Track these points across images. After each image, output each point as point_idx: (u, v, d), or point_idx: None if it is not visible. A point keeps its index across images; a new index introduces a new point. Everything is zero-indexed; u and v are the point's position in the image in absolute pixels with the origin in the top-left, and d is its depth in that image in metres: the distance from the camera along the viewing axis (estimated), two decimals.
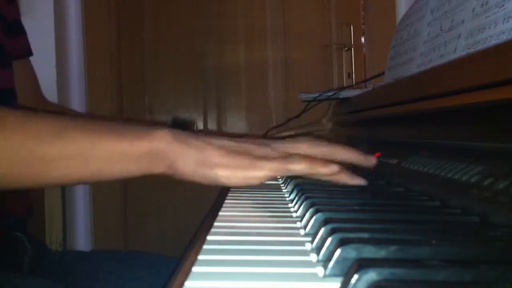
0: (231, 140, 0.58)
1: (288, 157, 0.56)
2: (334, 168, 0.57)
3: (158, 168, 0.54)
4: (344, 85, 2.00)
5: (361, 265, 0.27)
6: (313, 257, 0.35)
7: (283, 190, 0.68)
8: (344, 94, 1.12)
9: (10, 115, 0.54)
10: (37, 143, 0.52)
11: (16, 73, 0.91)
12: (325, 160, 0.58)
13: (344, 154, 0.63)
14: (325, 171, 0.57)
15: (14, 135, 0.52)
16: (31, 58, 1.01)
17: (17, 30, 0.96)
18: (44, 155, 0.52)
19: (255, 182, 0.55)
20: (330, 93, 1.13)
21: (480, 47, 0.62)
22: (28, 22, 1.02)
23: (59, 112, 1.12)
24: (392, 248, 0.31)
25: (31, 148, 0.52)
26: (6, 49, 0.87)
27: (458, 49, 0.69)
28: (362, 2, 2.03)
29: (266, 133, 1.36)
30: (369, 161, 0.65)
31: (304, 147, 0.62)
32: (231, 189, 0.67)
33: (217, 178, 0.54)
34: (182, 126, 1.02)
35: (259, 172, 0.55)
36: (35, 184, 0.58)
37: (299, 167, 0.55)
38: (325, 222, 0.38)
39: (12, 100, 0.89)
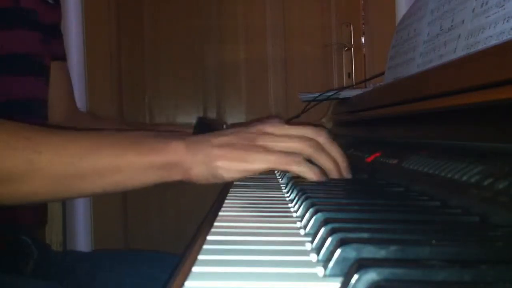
0: (234, 134, 0.62)
1: (286, 155, 0.60)
2: (323, 179, 0.62)
3: (175, 176, 0.60)
4: (344, 85, 2.00)
5: (361, 265, 0.27)
6: (313, 257, 0.35)
7: (283, 190, 0.68)
8: (344, 94, 1.12)
9: (39, 133, 0.59)
10: (68, 161, 0.58)
11: (52, 75, 0.92)
12: (322, 170, 0.63)
13: (336, 156, 0.65)
14: (314, 178, 0.61)
15: (45, 153, 0.57)
16: None
17: (56, 34, 0.97)
18: (75, 171, 0.58)
19: (250, 173, 0.61)
20: (330, 93, 1.13)
21: (480, 47, 0.62)
22: None
23: (91, 120, 1.13)
24: (392, 248, 0.31)
25: (62, 166, 0.57)
26: (41, 59, 0.88)
27: (458, 49, 0.69)
28: (362, 2, 2.03)
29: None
30: (347, 175, 0.67)
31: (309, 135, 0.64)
32: (231, 189, 0.67)
33: (219, 173, 0.59)
34: (208, 127, 1.01)
35: (253, 165, 0.59)
36: (64, 198, 0.64)
37: (294, 169, 0.60)
38: (325, 222, 0.38)
39: (42, 109, 0.89)
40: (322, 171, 0.63)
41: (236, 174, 0.60)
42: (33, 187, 0.57)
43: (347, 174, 0.66)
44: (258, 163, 0.59)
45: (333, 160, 0.64)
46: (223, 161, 0.59)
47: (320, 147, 0.63)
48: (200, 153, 0.59)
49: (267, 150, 0.60)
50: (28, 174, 0.56)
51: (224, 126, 1.06)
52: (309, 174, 0.61)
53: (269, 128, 0.63)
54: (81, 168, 0.58)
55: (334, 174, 0.64)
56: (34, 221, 0.88)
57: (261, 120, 0.68)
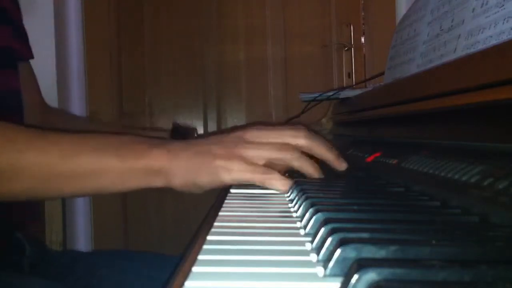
0: (215, 142, 0.62)
1: (263, 171, 0.61)
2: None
3: (157, 182, 0.61)
4: (344, 85, 2.00)
5: (361, 265, 0.27)
6: (313, 257, 0.35)
7: None
8: (344, 94, 1.12)
9: (22, 134, 0.59)
10: (50, 162, 0.58)
11: (21, 76, 0.93)
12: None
13: (322, 153, 0.66)
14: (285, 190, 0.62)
15: (27, 153, 0.57)
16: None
17: (23, 34, 0.98)
18: (56, 173, 0.58)
19: (228, 184, 0.61)
20: (330, 93, 1.13)
21: (480, 47, 0.62)
22: (28, 22, 1.02)
23: (61, 115, 1.14)
24: (392, 248, 0.31)
25: (44, 167, 0.58)
26: (14, 52, 0.89)
27: (458, 49, 0.69)
28: (362, 2, 2.03)
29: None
30: (340, 165, 0.68)
31: (291, 138, 0.65)
32: (231, 189, 0.67)
33: (198, 182, 0.60)
34: (182, 133, 1.03)
35: (231, 176, 0.60)
36: (46, 198, 0.65)
37: (268, 185, 0.61)
38: (325, 222, 0.38)
39: (19, 101, 0.89)
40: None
41: (215, 184, 0.61)
42: (14, 186, 0.58)
43: (340, 166, 0.67)
44: (236, 174, 0.60)
45: (312, 164, 0.65)
46: (203, 170, 0.60)
47: (298, 154, 0.63)
48: (182, 161, 0.60)
49: (246, 161, 0.60)
50: (10, 174, 0.57)
51: (196, 134, 1.08)
52: (284, 189, 0.61)
53: (248, 135, 0.63)
54: (62, 170, 0.58)
55: (314, 176, 0.65)
56: (25, 217, 0.88)
57: (244, 126, 0.69)
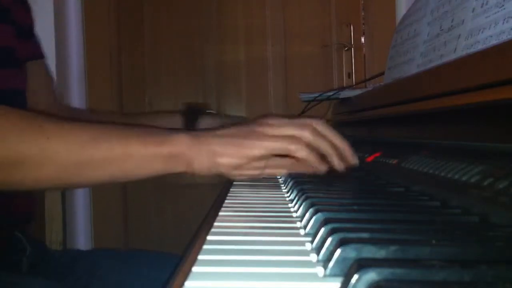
0: (235, 126, 0.63)
1: (284, 139, 0.61)
2: (323, 169, 0.63)
3: (179, 167, 0.61)
4: (344, 85, 2.00)
5: (361, 265, 0.27)
6: (313, 257, 0.35)
7: (283, 190, 0.68)
8: (344, 94, 1.12)
9: (49, 122, 0.60)
10: (74, 149, 0.59)
11: (30, 74, 0.93)
12: (322, 158, 0.63)
13: (340, 145, 0.65)
14: (313, 161, 0.61)
15: (52, 141, 0.58)
16: None
17: (29, 35, 0.98)
18: (84, 158, 0.59)
19: (249, 160, 0.60)
20: (330, 93, 1.13)
21: (480, 47, 0.62)
22: None
23: (76, 114, 1.13)
24: (392, 248, 0.31)
25: (72, 152, 0.58)
26: (16, 52, 0.89)
27: (458, 49, 0.69)
28: (362, 2, 2.03)
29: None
30: (354, 160, 0.66)
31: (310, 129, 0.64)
32: (231, 189, 0.67)
33: (218, 165, 0.61)
34: (196, 112, 1.02)
35: (251, 150, 0.60)
36: (73, 185, 0.66)
37: (292, 149, 0.60)
38: (325, 222, 0.38)
39: (22, 100, 0.89)
40: (323, 157, 0.63)
41: (237, 164, 0.60)
42: (43, 172, 0.58)
43: (352, 159, 0.65)
44: (256, 148, 0.60)
45: (333, 145, 0.64)
46: (222, 151, 0.60)
47: (319, 133, 0.63)
48: (202, 146, 0.61)
49: (265, 135, 0.61)
50: (39, 159, 0.57)
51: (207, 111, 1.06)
52: (309, 156, 0.61)
53: (269, 119, 0.64)
54: (89, 155, 0.59)
55: (335, 160, 0.63)
56: (25, 216, 0.88)
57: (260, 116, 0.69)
